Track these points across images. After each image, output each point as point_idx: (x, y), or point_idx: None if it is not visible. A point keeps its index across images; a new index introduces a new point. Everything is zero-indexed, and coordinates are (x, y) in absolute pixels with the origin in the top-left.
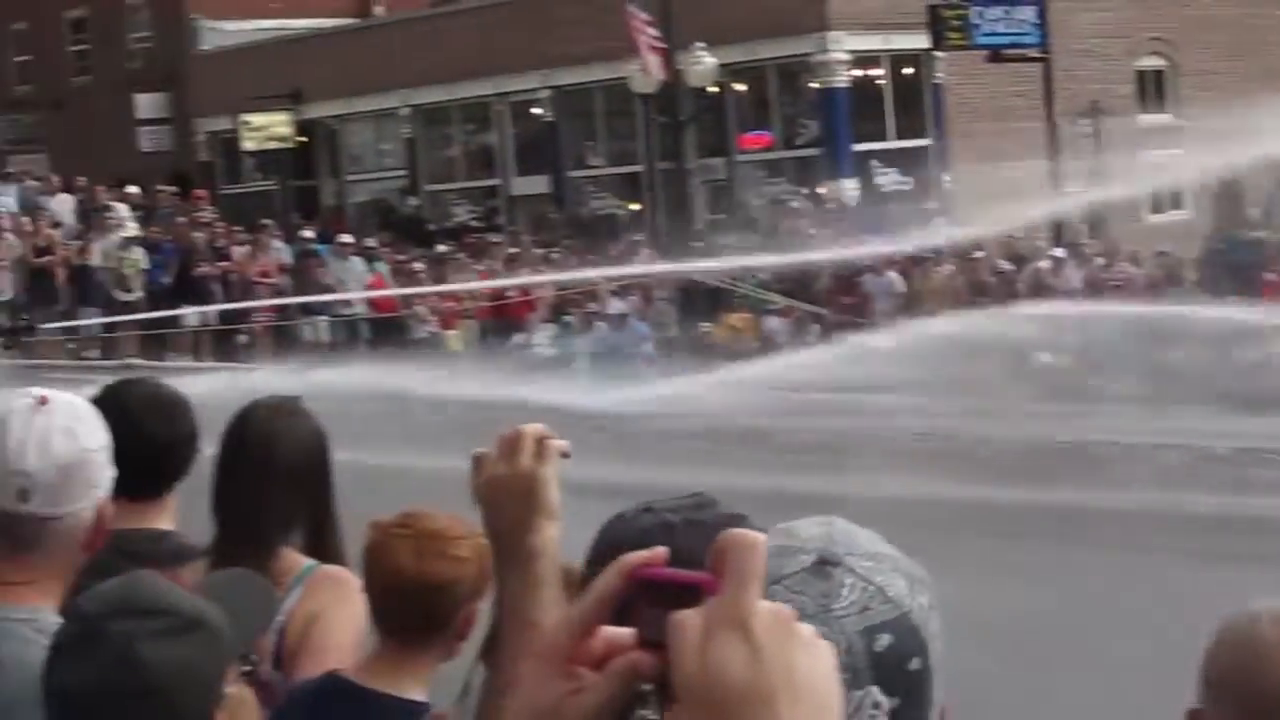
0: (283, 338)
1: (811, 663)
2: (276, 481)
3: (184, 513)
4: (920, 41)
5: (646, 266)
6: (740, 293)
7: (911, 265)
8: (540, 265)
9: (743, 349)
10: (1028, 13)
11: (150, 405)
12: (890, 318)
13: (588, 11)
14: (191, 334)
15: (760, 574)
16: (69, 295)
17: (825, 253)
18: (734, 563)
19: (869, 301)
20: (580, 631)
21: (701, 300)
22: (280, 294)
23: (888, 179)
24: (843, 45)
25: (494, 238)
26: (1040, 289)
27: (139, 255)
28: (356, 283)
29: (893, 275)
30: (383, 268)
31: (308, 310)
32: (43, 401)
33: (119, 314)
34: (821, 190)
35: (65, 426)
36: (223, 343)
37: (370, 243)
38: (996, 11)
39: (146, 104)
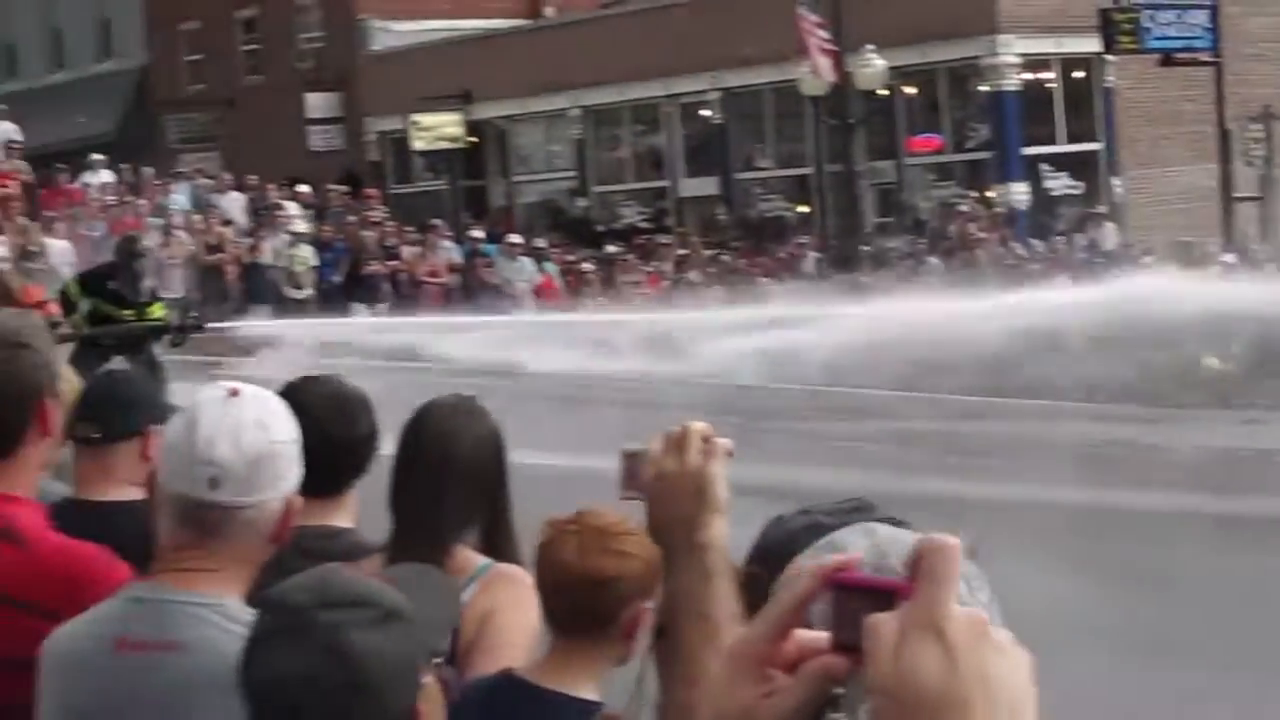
0: None
1: (1006, 667)
2: (453, 480)
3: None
4: (1091, 45)
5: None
6: None
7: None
8: (709, 267)
9: None
10: (1199, 16)
11: (331, 403)
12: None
13: (757, 13)
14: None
15: (955, 578)
16: (240, 293)
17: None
18: (929, 566)
19: None
20: (774, 634)
21: None
22: (448, 294)
23: (1057, 183)
24: (1013, 48)
25: (663, 239)
26: None
27: (308, 253)
28: (525, 283)
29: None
30: (551, 268)
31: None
32: (234, 393)
33: (289, 312)
34: (991, 194)
35: (256, 419)
36: None
37: (539, 243)
38: (1168, 15)
39: (317, 104)
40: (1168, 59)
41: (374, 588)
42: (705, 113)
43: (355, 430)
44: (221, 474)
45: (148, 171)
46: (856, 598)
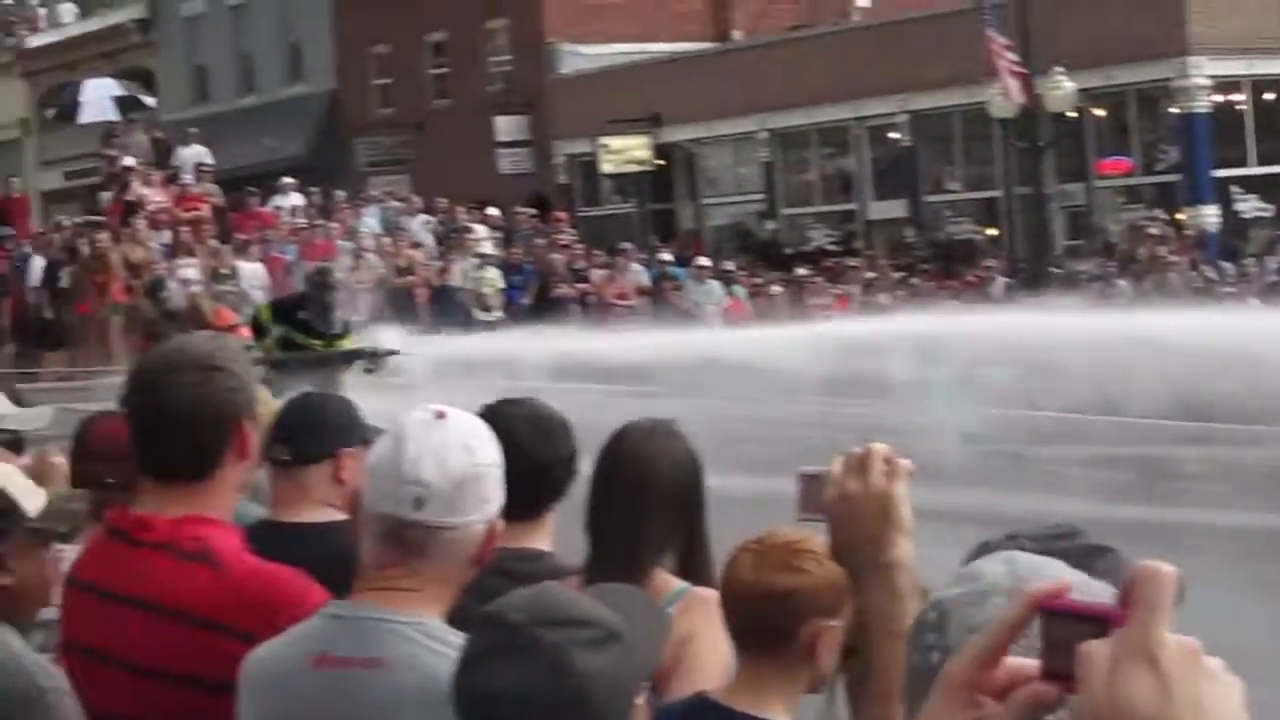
0: None
1: (1218, 695)
2: (651, 503)
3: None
4: None
5: None
6: None
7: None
8: (897, 290)
9: None
10: None
11: (531, 425)
12: None
13: (945, 35)
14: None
15: (1169, 605)
16: (429, 315)
17: None
18: (1142, 594)
19: None
20: (985, 661)
21: None
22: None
23: (1248, 205)
24: (1203, 70)
25: (851, 262)
26: None
27: (495, 276)
28: (713, 306)
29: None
30: (740, 291)
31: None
32: (440, 415)
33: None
34: (1180, 216)
35: (462, 441)
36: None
37: (728, 266)
38: None
39: (506, 126)
40: None
41: (592, 607)
42: (894, 135)
43: (555, 453)
44: (426, 494)
45: (340, 195)
46: (1068, 624)
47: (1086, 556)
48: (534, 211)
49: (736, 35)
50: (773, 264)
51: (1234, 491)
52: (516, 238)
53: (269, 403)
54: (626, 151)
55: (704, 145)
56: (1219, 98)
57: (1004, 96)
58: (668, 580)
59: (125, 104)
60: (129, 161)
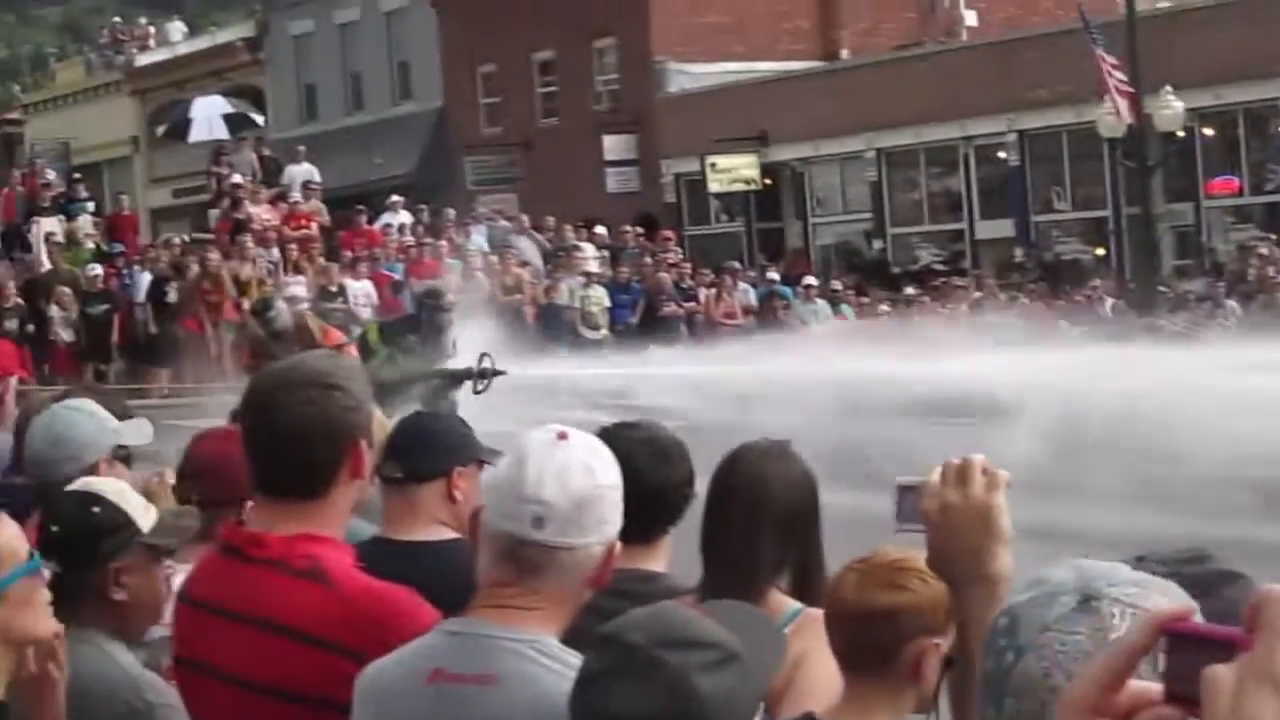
0: None
1: None
2: (766, 525)
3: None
4: None
5: None
6: None
7: None
8: (1005, 309)
9: None
10: None
11: (648, 448)
12: None
13: (1053, 55)
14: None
15: None
16: (536, 334)
17: None
18: (1268, 618)
19: None
20: (1109, 683)
21: None
22: (745, 336)
23: None
24: None
25: (959, 281)
26: None
27: (602, 294)
28: (820, 326)
29: None
30: (847, 311)
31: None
32: (563, 436)
33: (585, 353)
34: None
35: (584, 462)
36: None
37: (835, 286)
38: None
39: (614, 145)
40: None
41: (710, 628)
42: (1001, 155)
43: (672, 476)
44: (547, 514)
45: (450, 213)
46: (1192, 648)
47: (1215, 582)
48: (641, 230)
49: (844, 54)
50: (880, 283)
51: None
52: (623, 256)
53: (382, 422)
54: (734, 170)
55: (811, 164)
56: None
57: (1113, 116)
58: (782, 601)
59: (235, 122)
60: (237, 179)
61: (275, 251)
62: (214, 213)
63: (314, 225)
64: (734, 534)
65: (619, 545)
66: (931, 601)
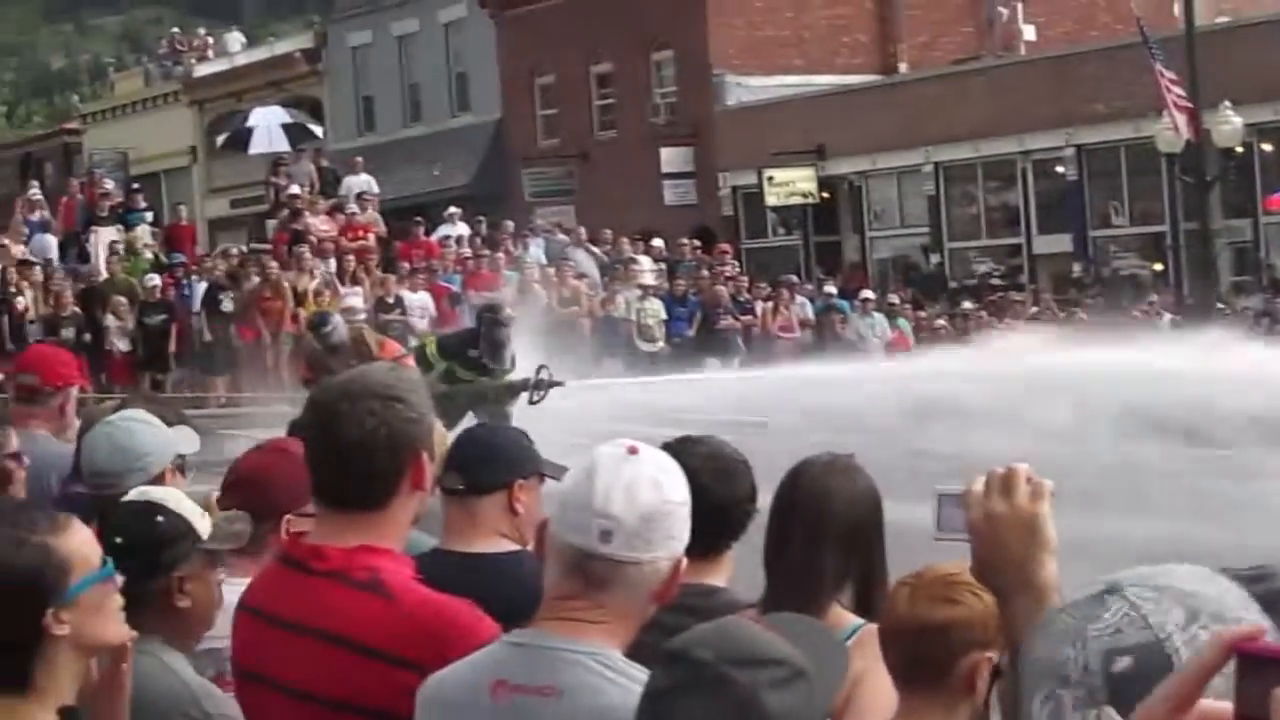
0: None
1: None
2: (828, 539)
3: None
4: None
5: None
6: None
7: None
8: (1062, 324)
9: None
10: None
11: (711, 464)
12: None
13: (1111, 69)
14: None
15: None
16: (593, 346)
17: None
18: None
19: None
20: (1178, 703)
21: None
22: (802, 350)
23: None
24: None
25: (1016, 296)
26: None
27: (658, 306)
28: (878, 339)
29: None
30: (904, 324)
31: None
32: (632, 451)
33: (641, 365)
34: None
35: (653, 477)
36: None
37: (893, 299)
38: None
39: (671, 158)
40: None
41: (777, 644)
42: (1059, 169)
43: (735, 492)
44: (614, 527)
45: (508, 225)
46: (1263, 668)
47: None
48: (698, 243)
49: (902, 68)
50: (937, 297)
51: None
52: (680, 269)
53: (442, 434)
54: (791, 184)
55: (869, 178)
56: None
57: (1171, 131)
58: (842, 616)
59: (294, 133)
60: (295, 190)
61: (332, 263)
62: (271, 223)
63: (371, 236)
64: (796, 549)
65: (685, 561)
66: (983, 615)
